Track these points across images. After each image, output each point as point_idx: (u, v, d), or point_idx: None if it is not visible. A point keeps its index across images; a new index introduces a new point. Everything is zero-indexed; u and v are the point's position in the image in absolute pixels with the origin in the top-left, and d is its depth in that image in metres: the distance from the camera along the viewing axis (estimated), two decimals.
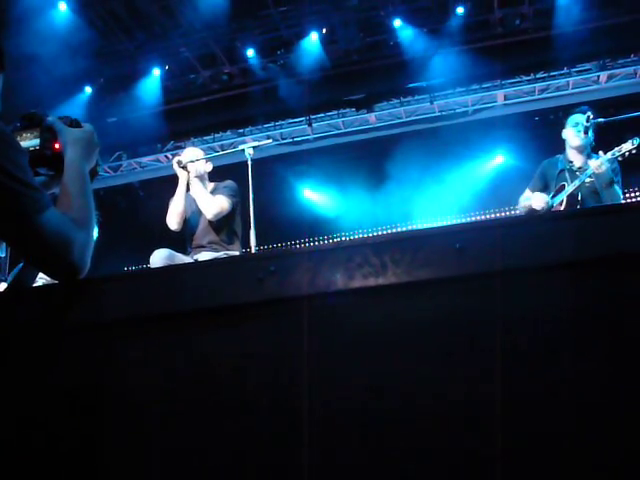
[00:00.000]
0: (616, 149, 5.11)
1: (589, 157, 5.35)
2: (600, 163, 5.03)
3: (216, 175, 5.81)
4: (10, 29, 8.20)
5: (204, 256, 5.29)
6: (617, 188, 5.14)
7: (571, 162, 5.46)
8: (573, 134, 5.41)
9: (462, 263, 1.33)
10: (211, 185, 5.68)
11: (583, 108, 5.57)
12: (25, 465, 1.43)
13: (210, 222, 5.43)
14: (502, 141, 10.82)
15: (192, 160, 5.52)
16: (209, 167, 5.71)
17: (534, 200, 5.58)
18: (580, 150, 5.41)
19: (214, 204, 5.36)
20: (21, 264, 1.81)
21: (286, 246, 11.71)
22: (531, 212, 5.65)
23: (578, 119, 5.42)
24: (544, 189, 5.69)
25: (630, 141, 5.02)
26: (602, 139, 5.48)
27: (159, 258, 5.07)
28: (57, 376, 1.48)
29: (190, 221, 5.58)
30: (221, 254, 5.30)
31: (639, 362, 1.25)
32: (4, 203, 1.48)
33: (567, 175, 5.45)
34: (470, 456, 1.26)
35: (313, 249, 1.41)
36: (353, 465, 1.31)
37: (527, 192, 5.81)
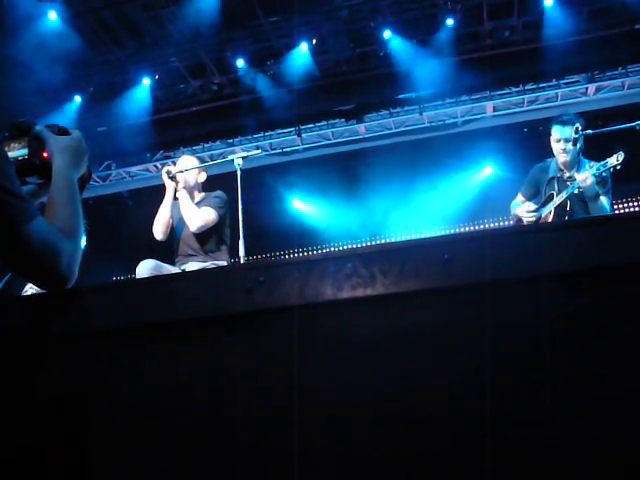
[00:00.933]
0: (601, 163, 5.09)
1: (580, 165, 5.33)
2: (586, 177, 5.02)
3: (205, 185, 5.80)
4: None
5: (191, 266, 5.28)
6: (603, 201, 5.12)
7: (561, 170, 5.44)
8: (559, 152, 5.38)
9: (451, 274, 1.33)
10: (201, 195, 5.67)
11: (563, 118, 5.48)
12: (10, 476, 1.42)
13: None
14: (491, 152, 10.86)
15: (181, 171, 5.52)
16: (202, 177, 5.69)
17: (520, 212, 5.61)
18: (569, 162, 5.40)
19: (198, 217, 5.34)
20: (8, 273, 1.80)
21: (275, 256, 11.70)
22: (520, 221, 5.67)
23: (563, 134, 5.36)
24: (535, 194, 5.69)
25: (615, 156, 4.98)
26: (589, 151, 5.47)
27: (145, 269, 5.04)
28: (44, 386, 1.47)
29: (177, 229, 5.57)
30: (208, 264, 5.28)
31: (625, 369, 1.25)
32: None
33: (556, 184, 5.44)
34: (459, 465, 1.26)
35: (302, 260, 1.41)
36: (347, 475, 1.30)
37: (519, 197, 5.81)
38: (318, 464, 1.31)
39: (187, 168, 5.57)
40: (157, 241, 5.56)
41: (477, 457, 1.25)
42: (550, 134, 5.45)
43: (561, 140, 5.34)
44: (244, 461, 1.34)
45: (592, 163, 5.24)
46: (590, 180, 4.99)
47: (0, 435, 1.45)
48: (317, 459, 1.31)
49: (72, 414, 1.44)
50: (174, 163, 5.93)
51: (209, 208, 5.40)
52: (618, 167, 4.98)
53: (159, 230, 5.49)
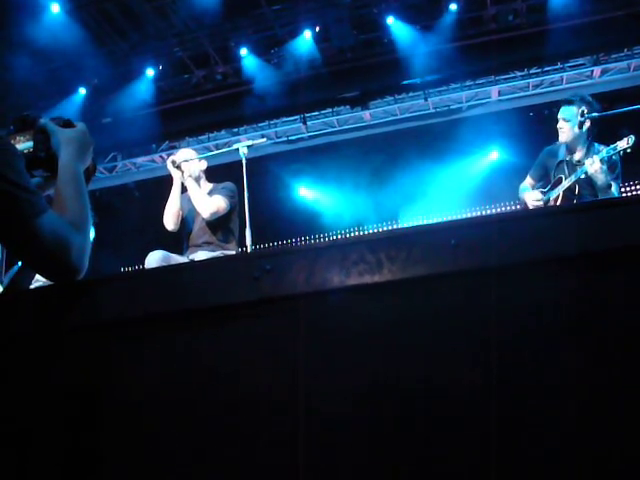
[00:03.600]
0: (611, 146, 5.05)
1: (589, 149, 5.29)
2: (593, 161, 4.99)
3: (211, 174, 5.81)
4: (3, 31, 8.19)
5: (200, 256, 5.29)
6: (612, 188, 5.09)
7: (571, 154, 5.42)
8: (564, 129, 5.37)
9: (458, 259, 1.33)
10: (209, 186, 5.68)
11: (567, 98, 5.52)
12: (23, 467, 1.43)
13: (206, 222, 5.44)
14: (497, 137, 10.81)
15: (186, 160, 5.52)
16: (203, 165, 5.70)
17: (527, 199, 5.59)
18: (576, 144, 5.37)
19: (210, 203, 5.36)
20: (17, 266, 1.81)
21: (282, 245, 11.70)
22: (527, 206, 5.65)
23: (562, 113, 5.38)
24: (544, 177, 5.66)
25: (626, 139, 4.95)
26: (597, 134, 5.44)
27: (154, 260, 5.06)
28: (55, 378, 1.48)
29: (186, 221, 5.58)
30: (217, 253, 5.29)
31: (627, 353, 1.25)
32: (2, 207, 1.49)
33: (565, 167, 5.40)
34: (469, 455, 1.27)
35: (309, 247, 1.42)
36: (351, 465, 1.31)
37: (527, 179, 5.77)
38: (323, 453, 1.32)
39: (192, 157, 5.59)
40: (165, 232, 5.57)
41: (480, 447, 1.25)
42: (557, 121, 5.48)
43: (560, 119, 5.36)
44: (255, 448, 1.35)
45: (602, 147, 5.20)
46: (597, 165, 4.95)
47: (15, 427, 1.46)
48: (322, 447, 1.32)
49: (84, 405, 1.45)
50: None
51: (220, 196, 5.42)
52: (628, 150, 4.95)
53: (170, 221, 5.50)
